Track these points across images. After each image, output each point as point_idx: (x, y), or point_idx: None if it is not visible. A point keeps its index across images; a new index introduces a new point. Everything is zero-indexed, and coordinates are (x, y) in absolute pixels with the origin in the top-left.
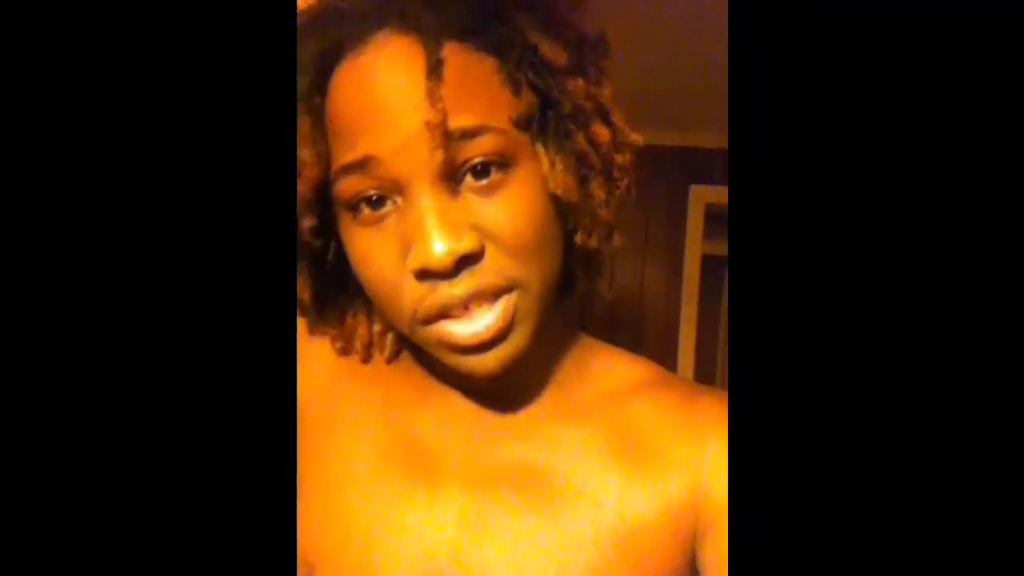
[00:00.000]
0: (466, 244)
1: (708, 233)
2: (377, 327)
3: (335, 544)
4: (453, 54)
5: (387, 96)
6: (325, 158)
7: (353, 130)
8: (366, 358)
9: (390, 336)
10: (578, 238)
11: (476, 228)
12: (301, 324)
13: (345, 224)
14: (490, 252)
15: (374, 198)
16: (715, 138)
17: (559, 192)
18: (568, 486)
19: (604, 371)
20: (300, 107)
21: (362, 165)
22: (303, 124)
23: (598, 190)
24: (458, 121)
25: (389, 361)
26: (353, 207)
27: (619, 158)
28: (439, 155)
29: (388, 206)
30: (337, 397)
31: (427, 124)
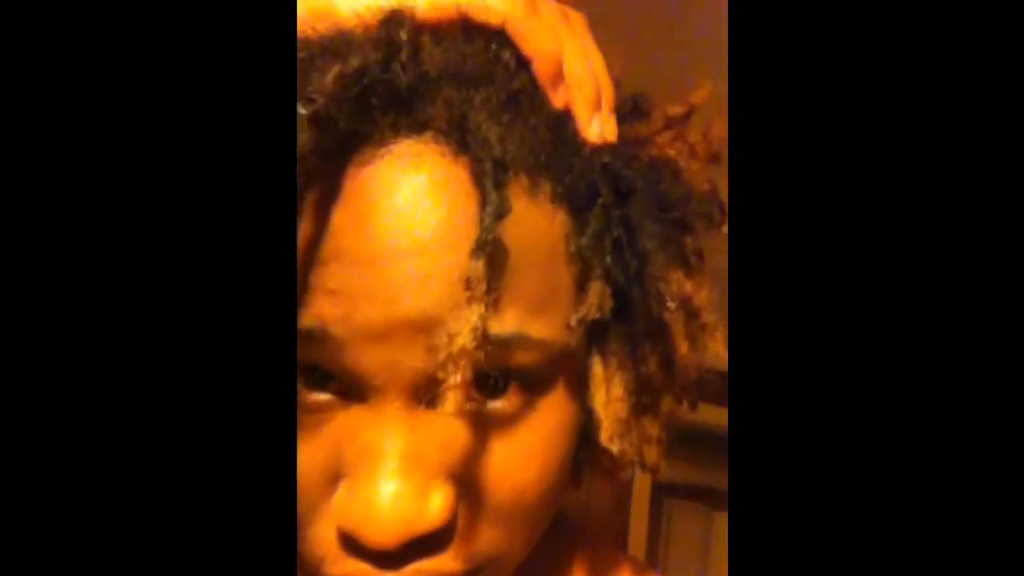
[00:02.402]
0: (430, 516)
1: None
2: None
3: None
4: (516, 202)
5: (381, 246)
6: None
7: (314, 279)
8: None
9: None
10: (602, 469)
11: (456, 479)
12: None
13: None
14: (464, 522)
15: (317, 374)
16: None
17: (609, 444)
18: None
19: (586, 567)
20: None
21: (313, 339)
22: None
23: (651, 425)
24: (496, 324)
25: None
26: None
27: (691, 376)
28: (458, 369)
29: (331, 393)
30: None
31: (459, 327)
